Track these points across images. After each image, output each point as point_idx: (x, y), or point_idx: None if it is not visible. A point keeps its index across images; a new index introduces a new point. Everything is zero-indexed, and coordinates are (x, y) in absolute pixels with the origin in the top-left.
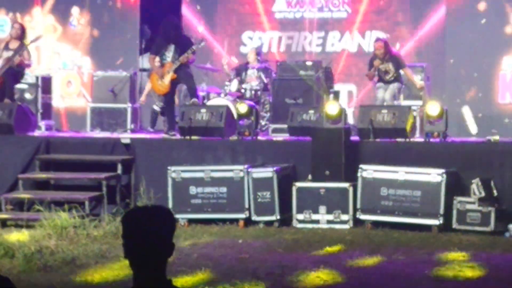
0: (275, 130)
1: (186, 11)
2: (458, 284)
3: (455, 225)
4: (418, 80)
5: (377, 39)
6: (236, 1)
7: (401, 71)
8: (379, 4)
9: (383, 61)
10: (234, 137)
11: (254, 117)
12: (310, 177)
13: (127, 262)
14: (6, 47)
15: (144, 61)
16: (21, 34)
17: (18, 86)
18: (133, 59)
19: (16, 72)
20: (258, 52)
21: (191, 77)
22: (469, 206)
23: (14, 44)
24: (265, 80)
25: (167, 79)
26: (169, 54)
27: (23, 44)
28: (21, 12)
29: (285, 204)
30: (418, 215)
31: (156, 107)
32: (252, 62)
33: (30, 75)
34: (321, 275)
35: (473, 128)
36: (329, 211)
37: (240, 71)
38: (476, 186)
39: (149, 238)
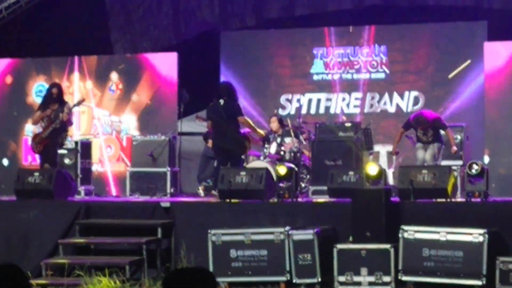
0: (315, 192)
1: (224, 74)
2: None
3: (498, 285)
4: (453, 145)
5: (421, 115)
6: (274, 64)
7: (442, 132)
8: (417, 65)
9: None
10: (274, 200)
11: (294, 179)
12: (351, 238)
13: None
14: (47, 109)
15: (183, 125)
16: (60, 94)
17: (58, 151)
18: (172, 123)
19: (60, 137)
20: (280, 119)
21: None
22: None
23: (53, 105)
24: (304, 141)
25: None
26: None
27: (65, 104)
28: (60, 78)
29: (326, 266)
30: (460, 276)
31: None
32: (277, 130)
33: (69, 141)
34: None
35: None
36: (370, 273)
37: (268, 140)
38: None
39: None
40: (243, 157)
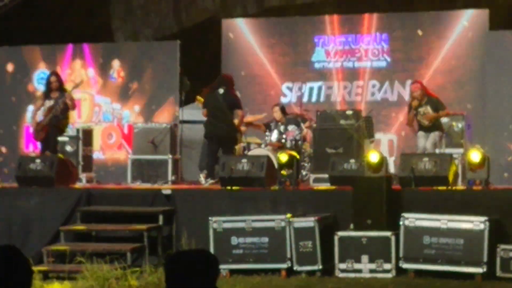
0: (316, 180)
1: (225, 62)
2: None
3: (499, 273)
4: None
5: (413, 82)
6: (276, 52)
7: (443, 120)
8: (418, 53)
9: (421, 103)
10: (275, 187)
11: (295, 167)
12: (351, 226)
13: None
14: (48, 97)
15: (184, 113)
16: (59, 82)
17: (60, 139)
18: (174, 111)
19: (60, 124)
20: (282, 108)
21: None
22: None
23: (55, 94)
24: (304, 129)
25: None
26: None
27: (65, 91)
28: (61, 65)
29: (327, 254)
30: (461, 264)
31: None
32: (280, 119)
33: (71, 128)
34: None
35: None
36: (371, 260)
37: (270, 128)
38: None
39: (193, 281)
40: (243, 146)
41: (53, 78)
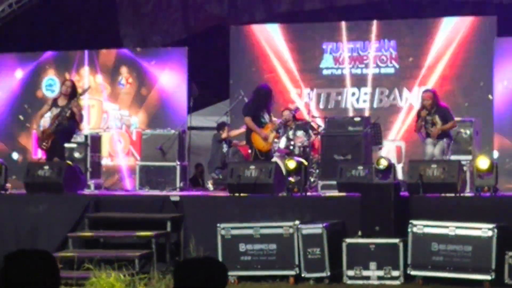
0: (324, 187)
1: (233, 68)
2: None
3: (507, 280)
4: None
5: (426, 90)
6: (284, 58)
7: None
8: (426, 60)
9: (430, 112)
10: (283, 194)
11: (303, 174)
12: (360, 233)
13: None
14: (55, 104)
15: (193, 119)
16: (71, 92)
17: (68, 145)
18: (182, 117)
19: (67, 131)
20: (294, 112)
21: None
22: None
23: (63, 101)
24: (313, 136)
25: (271, 137)
26: (266, 117)
27: (73, 100)
28: (70, 71)
29: (335, 261)
30: (469, 271)
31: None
32: (290, 123)
33: (79, 134)
34: None
35: None
36: (379, 267)
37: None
38: None
39: None
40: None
41: (68, 83)
